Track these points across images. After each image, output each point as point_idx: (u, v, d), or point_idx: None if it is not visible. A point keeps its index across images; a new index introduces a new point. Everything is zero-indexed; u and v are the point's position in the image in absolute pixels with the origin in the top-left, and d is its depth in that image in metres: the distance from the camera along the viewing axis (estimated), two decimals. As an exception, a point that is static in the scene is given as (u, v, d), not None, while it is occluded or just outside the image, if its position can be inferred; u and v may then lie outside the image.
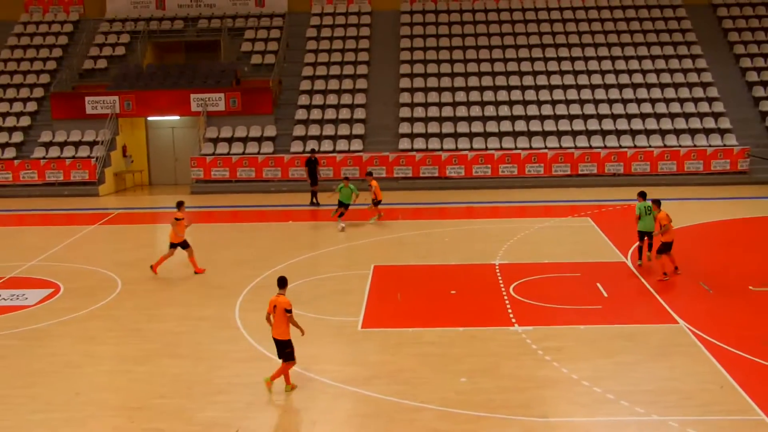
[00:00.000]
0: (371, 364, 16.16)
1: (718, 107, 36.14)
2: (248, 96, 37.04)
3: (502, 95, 36.90)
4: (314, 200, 30.93)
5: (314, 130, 36.27)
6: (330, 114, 37.00)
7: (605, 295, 19.93)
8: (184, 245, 22.45)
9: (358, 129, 36.28)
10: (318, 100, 37.72)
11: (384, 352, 16.74)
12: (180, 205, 22.71)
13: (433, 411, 14.26)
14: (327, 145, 35.47)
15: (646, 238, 21.91)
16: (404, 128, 35.94)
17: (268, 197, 32.00)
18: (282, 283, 15.09)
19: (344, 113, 37.01)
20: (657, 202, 21.37)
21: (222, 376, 15.77)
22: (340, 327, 18.26)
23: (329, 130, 36.24)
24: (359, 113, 37.01)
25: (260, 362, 16.34)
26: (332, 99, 37.71)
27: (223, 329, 18.21)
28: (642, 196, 22.00)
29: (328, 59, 39.75)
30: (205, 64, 39.97)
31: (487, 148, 34.58)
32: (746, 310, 18.91)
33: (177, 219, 22.24)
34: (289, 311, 14.73)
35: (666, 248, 20.91)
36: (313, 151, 32.39)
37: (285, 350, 14.87)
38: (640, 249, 22.11)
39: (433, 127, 35.84)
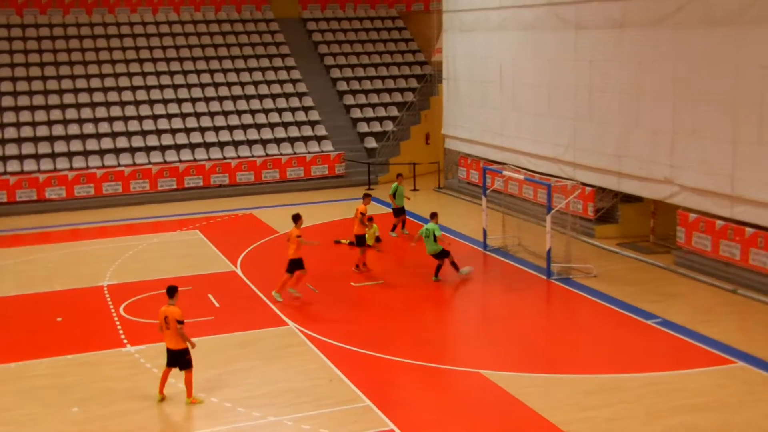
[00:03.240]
0: (-31, 408, 14.88)
1: (314, 116, 37.90)
2: None
3: (101, 112, 35.70)
4: None
5: None
6: None
7: (217, 305, 20.08)
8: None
9: (-58, 153, 33.22)
10: None
11: (-16, 393, 15.49)
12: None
13: (44, 447, 13.48)
14: None
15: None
16: (-5, 150, 33.57)
17: None
18: (171, 292, 14.59)
19: (-76, 137, 33.69)
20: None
21: None
22: (-69, 371, 16.58)
23: None
24: (-58, 136, 33.89)
25: None
26: None
27: None
28: (432, 216, 21.77)
29: None
30: None
31: (88, 167, 33.29)
32: (349, 306, 20.07)
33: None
34: (181, 323, 14.28)
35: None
36: None
37: (184, 358, 14.50)
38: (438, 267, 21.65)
39: (28, 148, 33.78)
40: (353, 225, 23.19)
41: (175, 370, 14.83)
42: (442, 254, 21.38)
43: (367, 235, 23.77)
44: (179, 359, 14.66)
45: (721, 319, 18.38)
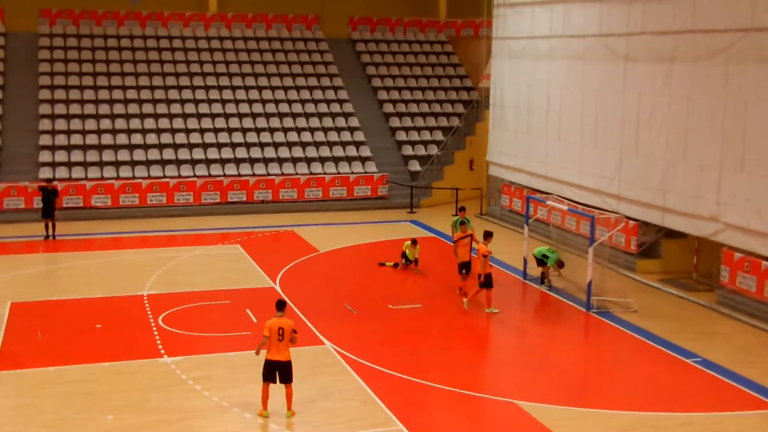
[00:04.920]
0: (5, 410, 15.06)
1: (359, 136, 38.06)
2: None
3: (149, 123, 36.18)
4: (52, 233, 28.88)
5: (-58, 158, 33.26)
6: (-40, 141, 34.15)
7: (255, 321, 20.12)
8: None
9: (-7, 157, 33.85)
10: (-55, 126, 34.67)
11: (21, 396, 15.68)
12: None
13: (77, 453, 13.58)
14: (-43, 175, 32.66)
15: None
16: (45, 156, 34.04)
17: None
18: (281, 305, 15.08)
19: (-24, 140, 34.35)
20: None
21: None
22: (-29, 372, 16.82)
23: (-41, 158, 33.44)
24: (-6, 140, 34.54)
25: None
26: (-38, 125, 34.85)
27: None
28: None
29: (-43, 82, 36.70)
30: None
31: (134, 177, 33.70)
32: (386, 328, 20.04)
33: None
34: (295, 332, 14.89)
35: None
36: (50, 180, 30.53)
37: (290, 369, 14.87)
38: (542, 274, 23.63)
39: (77, 156, 34.30)
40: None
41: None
42: (541, 263, 23.38)
43: (409, 256, 24.46)
44: (287, 371, 14.83)
45: (764, 360, 18.06)
